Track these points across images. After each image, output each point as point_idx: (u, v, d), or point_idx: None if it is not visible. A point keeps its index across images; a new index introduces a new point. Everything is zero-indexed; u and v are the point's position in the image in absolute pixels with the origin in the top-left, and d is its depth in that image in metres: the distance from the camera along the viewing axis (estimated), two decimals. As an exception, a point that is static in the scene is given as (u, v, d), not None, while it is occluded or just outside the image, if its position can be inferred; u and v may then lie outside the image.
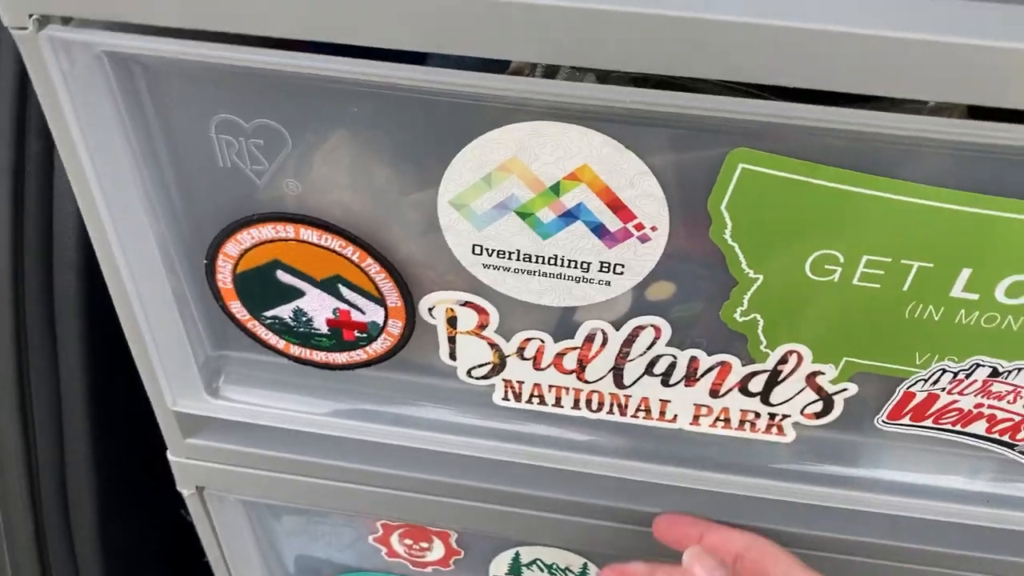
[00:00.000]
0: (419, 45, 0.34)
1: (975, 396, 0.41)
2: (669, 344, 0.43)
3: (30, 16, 0.36)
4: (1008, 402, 0.41)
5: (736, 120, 0.34)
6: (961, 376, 0.40)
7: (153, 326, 0.47)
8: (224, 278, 0.45)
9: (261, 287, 0.45)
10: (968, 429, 0.43)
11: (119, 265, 0.44)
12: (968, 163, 0.34)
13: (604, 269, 0.40)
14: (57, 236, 0.52)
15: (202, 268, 0.45)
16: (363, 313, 0.45)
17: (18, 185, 0.51)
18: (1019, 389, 0.41)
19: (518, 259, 0.41)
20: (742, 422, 0.45)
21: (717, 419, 0.46)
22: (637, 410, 0.46)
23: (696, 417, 0.46)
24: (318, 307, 0.46)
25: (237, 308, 0.47)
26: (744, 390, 0.44)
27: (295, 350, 0.48)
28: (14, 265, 0.52)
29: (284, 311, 0.46)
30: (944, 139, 0.33)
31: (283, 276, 0.45)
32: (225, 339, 0.49)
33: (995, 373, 0.40)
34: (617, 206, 0.38)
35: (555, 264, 0.40)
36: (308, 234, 0.42)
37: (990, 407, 0.42)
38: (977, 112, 0.36)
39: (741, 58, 0.32)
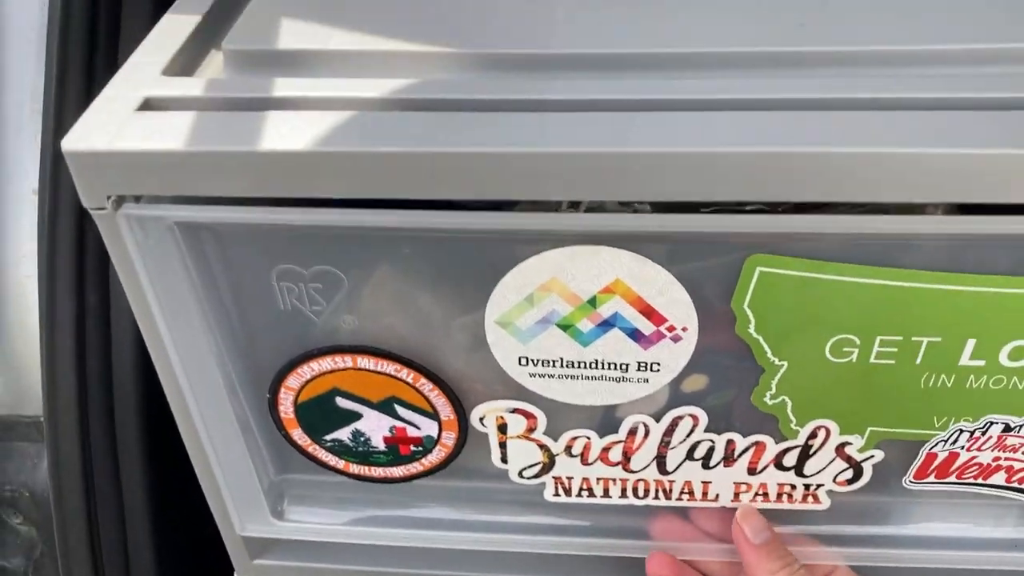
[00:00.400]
0: (454, 194, 0.39)
1: (992, 451, 0.45)
2: (707, 430, 0.46)
3: (108, 198, 0.40)
4: (1023, 453, 0.45)
5: (749, 233, 0.38)
6: (977, 434, 0.44)
7: (221, 459, 0.50)
8: (286, 409, 0.49)
9: (321, 414, 0.49)
10: (989, 481, 0.47)
11: (189, 405, 0.48)
12: (958, 248, 0.38)
13: (642, 368, 0.44)
14: (117, 384, 0.56)
15: (265, 401, 0.49)
16: (418, 428, 0.49)
17: (80, 337, 0.54)
18: (1031, 441, 0.44)
19: (562, 366, 0.44)
20: (779, 494, 0.49)
21: (756, 494, 0.49)
22: (681, 493, 0.49)
23: (736, 494, 0.49)
24: (375, 427, 0.49)
25: (299, 435, 0.50)
26: (779, 465, 0.47)
27: (354, 468, 0.52)
28: (80, 412, 0.55)
29: (343, 434, 0.50)
30: (932, 232, 0.37)
31: (342, 402, 0.48)
32: (287, 463, 0.53)
33: (1007, 428, 0.44)
34: (649, 312, 0.42)
35: (596, 368, 0.44)
36: (365, 362, 0.46)
37: (1007, 459, 0.45)
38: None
39: (749, 183, 0.36)
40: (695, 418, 0.46)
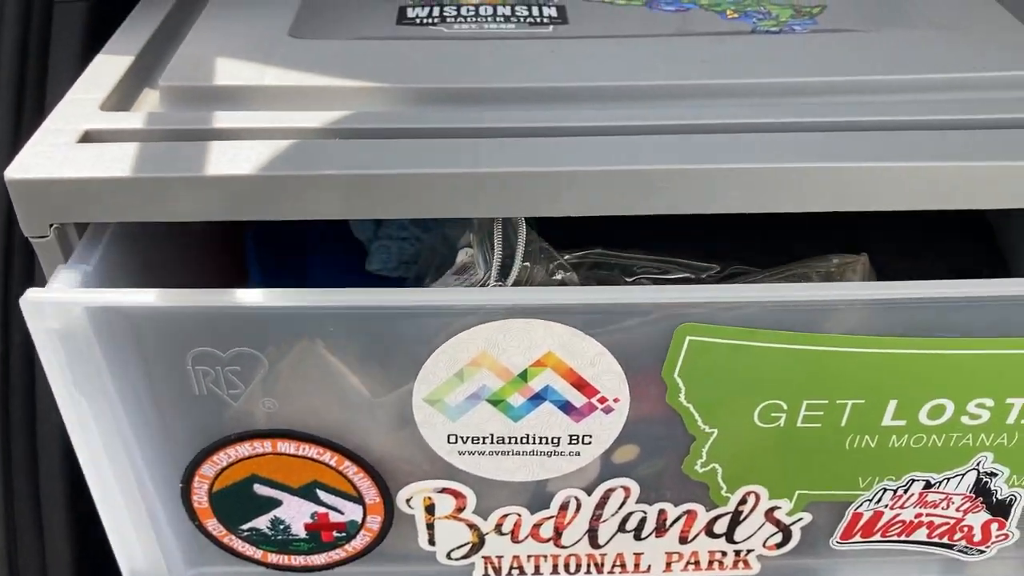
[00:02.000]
0: (397, 214, 0.41)
1: (914, 507, 0.46)
2: (639, 501, 0.46)
3: (50, 226, 0.40)
4: (943, 508, 0.46)
5: (676, 304, 0.39)
6: (900, 492, 0.45)
7: (131, 551, 0.47)
8: (200, 498, 0.46)
9: (238, 502, 0.46)
10: (912, 537, 0.48)
11: (102, 494, 0.45)
12: (878, 313, 0.39)
13: (573, 441, 0.43)
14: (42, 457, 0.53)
15: (177, 492, 0.46)
16: (342, 513, 0.47)
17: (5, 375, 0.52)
18: (950, 496, 0.45)
19: (492, 442, 0.43)
20: (711, 562, 0.49)
21: (688, 563, 0.49)
22: (613, 566, 0.49)
23: (668, 564, 0.49)
24: (296, 514, 0.47)
25: (213, 525, 0.47)
26: (710, 532, 0.47)
27: (273, 558, 0.49)
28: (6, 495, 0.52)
29: (261, 522, 0.47)
30: (847, 299, 0.39)
31: (260, 489, 0.46)
32: (201, 556, 0.50)
33: (928, 485, 0.45)
34: (581, 384, 0.41)
35: (527, 442, 0.43)
36: (285, 446, 0.44)
37: (928, 515, 0.46)
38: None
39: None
40: (627, 489, 0.45)
